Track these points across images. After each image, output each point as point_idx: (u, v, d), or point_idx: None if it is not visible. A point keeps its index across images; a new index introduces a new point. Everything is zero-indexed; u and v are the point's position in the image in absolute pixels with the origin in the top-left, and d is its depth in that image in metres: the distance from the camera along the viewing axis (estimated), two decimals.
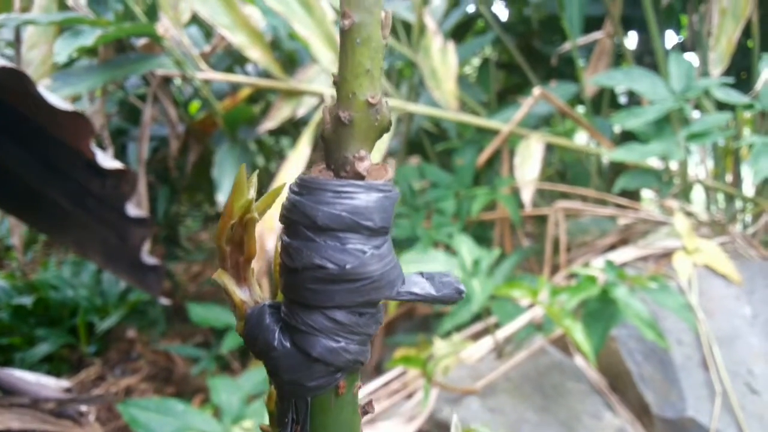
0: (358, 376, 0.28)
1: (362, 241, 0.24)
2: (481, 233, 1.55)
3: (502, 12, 2.04)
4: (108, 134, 1.35)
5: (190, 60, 1.29)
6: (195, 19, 1.45)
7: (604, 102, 1.69)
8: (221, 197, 1.38)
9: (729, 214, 1.46)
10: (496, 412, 1.05)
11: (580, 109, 1.84)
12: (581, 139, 2.00)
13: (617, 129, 1.58)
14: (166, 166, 1.70)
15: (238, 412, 1.06)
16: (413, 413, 1.06)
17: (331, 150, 0.25)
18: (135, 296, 1.77)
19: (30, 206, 1.08)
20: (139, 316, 1.81)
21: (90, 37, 1.17)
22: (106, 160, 0.91)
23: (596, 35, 1.60)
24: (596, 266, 1.14)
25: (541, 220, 1.62)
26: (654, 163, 1.38)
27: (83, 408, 1.05)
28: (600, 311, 0.99)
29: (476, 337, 1.24)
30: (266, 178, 1.72)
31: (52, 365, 1.64)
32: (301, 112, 1.38)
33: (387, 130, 0.25)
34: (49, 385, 1.11)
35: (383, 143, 1.34)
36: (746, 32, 1.31)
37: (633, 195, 1.74)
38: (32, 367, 1.55)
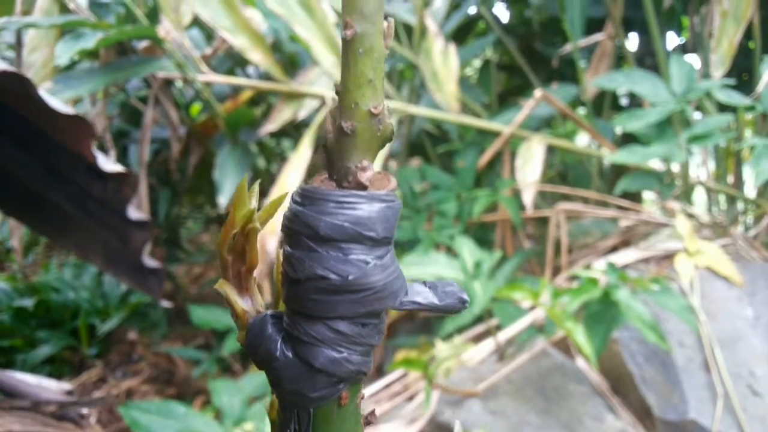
0: (360, 386, 0.28)
1: (365, 251, 0.24)
2: (482, 235, 1.55)
3: (503, 14, 2.04)
4: (110, 137, 1.35)
5: (191, 62, 1.29)
6: (196, 22, 1.45)
7: (606, 103, 1.69)
8: (222, 199, 1.38)
9: (730, 215, 1.45)
10: (497, 415, 1.05)
11: (582, 111, 1.84)
12: (582, 140, 2.00)
13: (618, 131, 1.58)
14: (167, 169, 1.70)
15: (240, 415, 1.06)
16: (414, 415, 1.06)
17: (334, 160, 0.25)
18: (136, 298, 1.77)
19: (31, 209, 1.08)
20: (140, 318, 1.81)
21: (91, 40, 1.18)
22: (107, 163, 0.91)
23: (597, 37, 1.60)
24: (598, 268, 1.14)
25: (543, 221, 1.62)
26: (655, 164, 1.38)
27: (84, 410, 1.05)
28: (602, 313, 0.99)
29: (478, 339, 1.24)
30: (267, 180, 1.72)
31: (53, 367, 1.64)
32: (302, 114, 1.38)
33: (389, 140, 0.25)
34: (50, 387, 1.11)
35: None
36: (747, 34, 1.31)
37: (634, 197, 1.74)
38: (33, 369, 1.55)
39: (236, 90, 1.47)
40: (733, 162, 1.54)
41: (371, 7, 0.22)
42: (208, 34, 1.60)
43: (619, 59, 1.71)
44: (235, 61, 1.57)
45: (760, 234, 1.35)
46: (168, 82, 1.42)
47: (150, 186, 1.60)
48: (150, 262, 1.05)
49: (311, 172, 1.60)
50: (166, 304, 1.13)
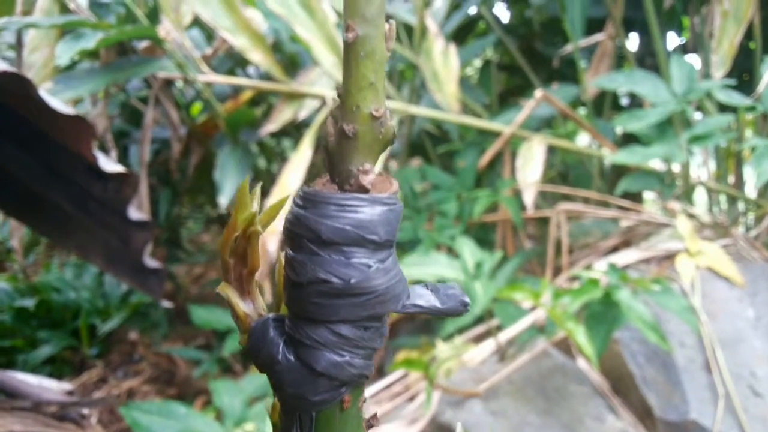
0: (362, 389, 0.28)
1: (367, 255, 0.24)
2: (483, 235, 1.55)
3: (503, 14, 2.04)
4: (111, 137, 1.35)
5: (191, 63, 1.29)
6: (196, 22, 1.45)
7: (606, 104, 1.69)
8: (223, 199, 1.38)
9: (731, 216, 1.45)
10: (498, 415, 1.05)
11: (582, 111, 1.84)
12: (583, 140, 1.99)
13: (619, 131, 1.58)
14: (167, 169, 1.70)
15: (240, 415, 1.06)
16: (415, 416, 1.06)
17: (335, 163, 0.25)
18: (137, 298, 1.77)
19: (32, 210, 1.08)
20: (141, 319, 1.81)
21: (92, 40, 1.18)
22: (108, 163, 0.91)
23: (598, 37, 1.59)
24: (599, 269, 1.13)
25: (543, 222, 1.62)
26: (656, 165, 1.38)
27: (85, 411, 1.05)
28: (603, 314, 0.99)
29: (478, 339, 1.24)
30: (268, 180, 1.72)
31: (54, 367, 1.64)
32: (302, 114, 1.38)
33: (391, 142, 0.25)
34: (51, 387, 1.11)
35: None
36: (748, 34, 1.31)
37: (635, 197, 1.74)
38: (34, 369, 1.55)
39: (237, 90, 1.47)
40: (733, 162, 1.53)
41: (373, 10, 0.22)
42: (209, 34, 1.60)
43: (620, 59, 1.71)
44: (235, 62, 1.57)
45: (761, 234, 1.35)
46: (168, 82, 1.42)
47: (150, 186, 1.60)
48: (151, 262, 1.05)
49: (312, 172, 1.60)
50: (166, 304, 1.13)
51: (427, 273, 1.13)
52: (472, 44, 1.78)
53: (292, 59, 1.52)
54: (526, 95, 1.71)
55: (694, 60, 1.51)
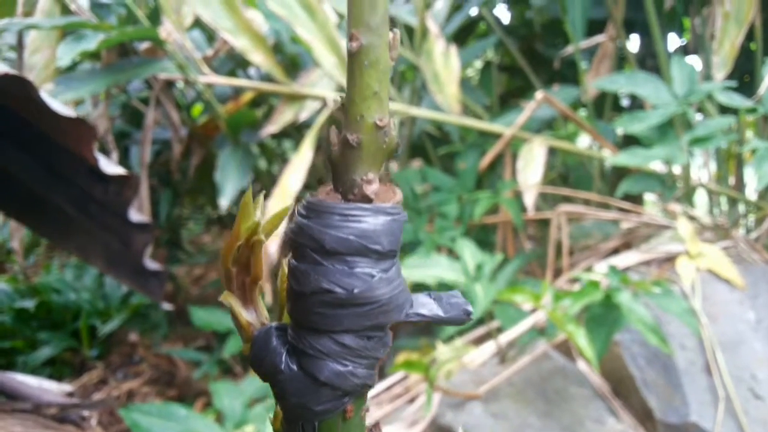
0: (365, 399, 0.28)
1: (370, 264, 0.24)
2: (483, 237, 1.55)
3: (504, 15, 2.04)
4: (112, 138, 1.35)
5: (192, 64, 1.29)
6: (197, 23, 1.45)
7: (607, 105, 1.69)
8: (224, 201, 1.38)
9: (732, 218, 1.45)
10: (499, 418, 1.05)
11: (583, 113, 1.84)
12: (584, 142, 1.99)
13: (620, 132, 1.58)
14: (168, 170, 1.70)
15: (241, 417, 1.06)
16: (415, 418, 1.06)
17: (339, 172, 0.25)
18: (137, 300, 1.77)
19: (33, 211, 1.08)
20: (141, 320, 1.81)
21: (93, 42, 1.18)
22: (109, 166, 0.91)
23: (599, 38, 1.59)
24: (599, 271, 1.13)
25: (544, 223, 1.62)
26: (657, 166, 1.38)
27: (85, 413, 1.05)
28: (603, 316, 0.99)
29: (479, 341, 1.24)
30: (269, 182, 1.72)
31: (54, 369, 1.64)
32: (303, 116, 1.38)
33: (395, 152, 0.25)
34: (51, 389, 1.11)
35: None
36: (749, 35, 1.31)
37: (636, 199, 1.73)
38: (34, 370, 1.54)
39: (237, 91, 1.47)
40: (734, 164, 1.53)
41: (377, 19, 0.22)
42: (210, 35, 1.60)
43: (621, 61, 1.71)
44: (236, 63, 1.57)
45: (762, 236, 1.35)
46: (169, 84, 1.42)
47: (151, 187, 1.60)
48: (151, 264, 1.05)
49: (312, 174, 1.60)
50: (167, 306, 1.13)
51: (428, 275, 1.13)
52: (473, 45, 1.78)
53: (293, 60, 1.52)
54: (526, 96, 1.70)
55: (695, 61, 1.51)
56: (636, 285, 1.01)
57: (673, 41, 1.67)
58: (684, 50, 1.66)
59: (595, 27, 1.59)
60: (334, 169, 0.25)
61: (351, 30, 0.22)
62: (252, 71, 1.63)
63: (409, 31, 1.54)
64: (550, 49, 1.80)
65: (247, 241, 0.25)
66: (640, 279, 1.09)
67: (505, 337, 1.15)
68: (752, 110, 1.14)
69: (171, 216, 1.84)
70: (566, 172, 1.77)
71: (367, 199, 0.24)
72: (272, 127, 1.37)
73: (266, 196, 1.19)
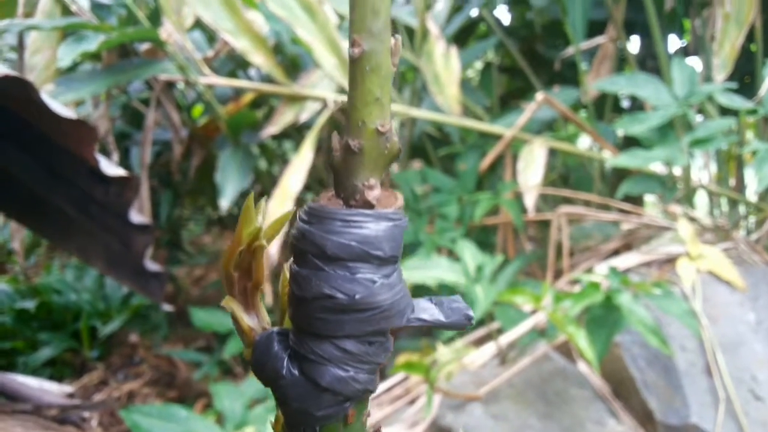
0: (366, 404, 0.28)
1: (372, 270, 0.24)
2: (483, 238, 1.55)
3: (504, 16, 2.04)
4: (113, 139, 1.36)
5: (193, 65, 1.29)
6: (198, 24, 1.45)
7: (607, 106, 1.69)
8: (224, 202, 1.38)
9: (732, 219, 1.45)
10: (499, 419, 1.05)
11: (583, 114, 1.84)
12: (584, 143, 1.99)
13: (620, 133, 1.58)
14: (169, 171, 1.70)
15: (241, 418, 1.06)
16: (416, 419, 1.06)
17: (341, 178, 0.25)
18: (137, 300, 1.77)
19: (34, 212, 1.08)
20: (141, 321, 1.81)
21: (93, 43, 1.18)
22: (110, 167, 0.91)
23: (599, 39, 1.59)
24: (600, 272, 1.13)
25: (544, 224, 1.62)
26: (657, 168, 1.38)
27: (86, 414, 1.05)
28: (603, 317, 0.99)
29: (479, 342, 1.24)
30: (269, 182, 1.72)
31: (54, 369, 1.64)
32: (304, 117, 1.38)
33: (397, 157, 0.25)
34: (51, 390, 1.11)
35: None
36: (749, 37, 1.31)
37: (636, 200, 1.73)
38: (35, 371, 1.55)
39: (238, 92, 1.48)
40: (734, 165, 1.53)
41: (379, 25, 0.22)
42: (210, 36, 1.60)
43: (621, 62, 1.71)
44: (236, 64, 1.57)
45: (762, 238, 1.35)
46: (170, 84, 1.42)
47: (152, 188, 1.60)
48: (152, 265, 1.05)
49: (312, 175, 1.60)
50: (167, 307, 1.13)
51: (428, 276, 1.13)
52: (474, 46, 1.78)
53: (293, 61, 1.52)
54: (527, 98, 1.70)
55: (695, 63, 1.51)
56: (636, 286, 1.01)
57: (674, 42, 1.67)
58: (684, 51, 1.66)
59: (595, 28, 1.59)
60: (336, 175, 0.25)
61: (353, 36, 0.22)
62: (252, 72, 1.64)
63: (409, 32, 1.54)
64: (551, 50, 1.80)
65: (248, 246, 0.25)
66: (640, 280, 1.09)
67: (505, 339, 1.15)
68: (753, 111, 1.14)
69: (171, 217, 1.84)
70: (567, 174, 1.77)
71: (369, 205, 0.24)
72: (273, 128, 1.37)
73: (267, 197, 1.19)
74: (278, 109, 1.40)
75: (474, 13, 1.74)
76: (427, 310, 0.26)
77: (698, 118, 1.45)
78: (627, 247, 1.42)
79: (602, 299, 0.98)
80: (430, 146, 1.75)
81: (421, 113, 1.45)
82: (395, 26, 1.52)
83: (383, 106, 0.23)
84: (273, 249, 1.18)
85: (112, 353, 1.75)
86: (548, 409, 1.06)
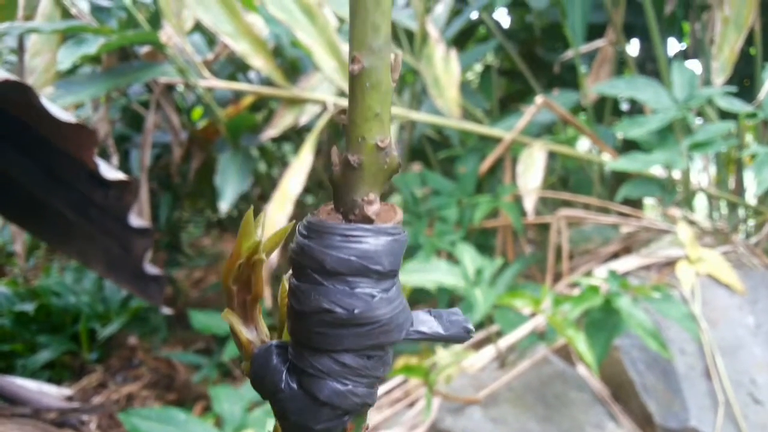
0: (365, 417, 0.28)
1: (371, 284, 0.24)
2: (483, 241, 1.55)
3: (504, 19, 2.04)
4: (113, 142, 1.36)
5: (192, 68, 1.29)
6: (198, 27, 1.45)
7: (607, 109, 1.69)
8: (223, 205, 1.38)
9: (732, 222, 1.45)
10: (498, 422, 1.05)
11: (582, 117, 1.84)
12: (584, 146, 2.00)
13: (620, 136, 1.58)
14: (168, 173, 1.71)
15: (240, 422, 1.06)
16: (415, 422, 1.06)
17: (340, 193, 0.25)
18: (137, 303, 1.77)
19: (33, 215, 1.08)
20: (140, 323, 1.81)
21: (93, 45, 1.18)
22: (109, 171, 0.91)
23: (599, 43, 1.60)
24: (599, 275, 1.13)
25: (544, 228, 1.62)
26: (657, 171, 1.38)
27: (84, 417, 1.05)
28: (603, 321, 0.99)
29: (478, 346, 1.24)
30: (269, 185, 1.72)
31: (53, 372, 1.64)
32: (303, 119, 1.38)
33: (396, 172, 0.25)
34: (50, 393, 1.11)
35: None
36: (749, 40, 1.31)
37: (636, 203, 1.74)
38: (34, 373, 1.54)
39: (238, 95, 1.48)
40: (734, 168, 1.54)
41: (380, 42, 0.22)
42: (210, 39, 1.60)
43: (621, 65, 1.71)
44: (236, 67, 1.57)
45: (762, 241, 1.35)
46: (169, 87, 1.42)
47: (151, 190, 1.60)
48: (151, 269, 1.05)
49: (312, 177, 1.60)
50: (167, 311, 1.13)
51: (428, 280, 1.13)
52: (473, 49, 1.78)
53: (293, 64, 1.52)
54: (526, 100, 1.71)
55: (694, 66, 1.51)
56: (636, 290, 1.01)
57: (673, 46, 1.67)
58: (684, 55, 1.66)
59: (594, 31, 1.59)
60: (336, 190, 0.25)
61: (353, 52, 0.22)
62: (252, 75, 1.64)
63: (409, 35, 1.54)
64: (550, 54, 1.80)
65: (248, 259, 0.26)
66: (639, 284, 1.09)
67: (504, 342, 1.15)
68: (752, 115, 1.14)
69: (171, 219, 1.84)
70: (566, 177, 1.77)
71: (368, 220, 0.24)
72: (272, 131, 1.38)
73: (266, 200, 1.19)
74: (278, 112, 1.41)
75: (474, 16, 1.74)
76: (426, 323, 0.26)
77: (698, 121, 1.45)
78: (626, 250, 1.42)
79: (601, 302, 0.98)
80: (429, 149, 1.75)
81: (421, 116, 1.45)
82: (395, 30, 1.52)
83: (383, 122, 0.23)
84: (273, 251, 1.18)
85: (111, 356, 1.75)
86: (547, 413, 1.06)
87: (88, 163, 0.89)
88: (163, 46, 1.22)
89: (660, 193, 1.36)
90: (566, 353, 1.20)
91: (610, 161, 1.37)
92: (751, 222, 1.52)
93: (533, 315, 1.17)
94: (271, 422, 0.88)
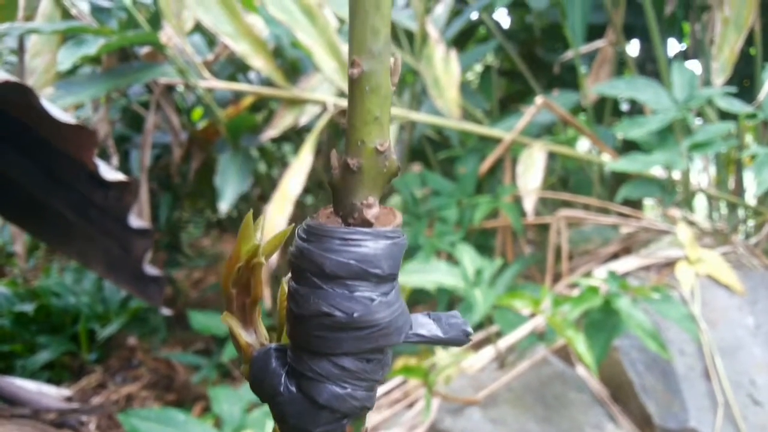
0: (364, 420, 0.28)
1: (370, 288, 0.24)
2: (483, 241, 1.55)
3: (504, 19, 2.04)
4: (113, 142, 1.36)
5: (193, 68, 1.29)
6: (198, 28, 1.45)
7: (607, 109, 1.69)
8: (223, 205, 1.38)
9: (731, 223, 1.45)
10: (497, 423, 1.05)
11: (582, 117, 1.84)
12: (583, 147, 2.00)
13: (620, 136, 1.58)
14: (168, 173, 1.71)
15: (239, 422, 1.06)
16: (414, 423, 1.06)
17: (340, 196, 0.25)
18: (136, 303, 1.77)
19: (33, 216, 1.08)
20: (140, 324, 1.81)
21: (93, 46, 1.18)
22: (109, 172, 0.91)
23: (598, 43, 1.60)
24: (598, 276, 1.13)
25: (544, 228, 1.62)
26: (657, 171, 1.38)
27: (84, 418, 1.05)
28: (602, 322, 0.99)
29: (478, 346, 1.24)
30: (269, 185, 1.72)
31: (53, 372, 1.64)
32: (303, 120, 1.38)
33: (395, 176, 0.25)
34: (50, 393, 1.11)
35: None
36: (749, 41, 1.31)
37: (635, 204, 1.74)
38: (33, 374, 1.54)
39: (238, 95, 1.48)
40: (734, 169, 1.54)
41: (379, 46, 0.22)
42: (210, 39, 1.60)
43: (620, 65, 1.71)
44: (236, 67, 1.57)
45: (761, 242, 1.35)
46: (170, 88, 1.42)
47: (151, 190, 1.60)
48: (151, 270, 1.05)
49: (312, 178, 1.60)
50: (166, 311, 1.13)
51: (427, 280, 1.13)
52: (473, 50, 1.78)
53: (293, 65, 1.52)
54: (526, 101, 1.71)
55: (694, 66, 1.51)
56: (635, 290, 1.01)
57: (673, 46, 1.67)
58: (684, 55, 1.66)
59: (594, 32, 1.59)
60: (335, 193, 0.25)
61: (353, 56, 0.22)
62: (252, 75, 1.64)
63: (409, 35, 1.54)
64: (550, 54, 1.80)
65: (247, 263, 0.26)
66: (639, 284, 1.09)
67: (504, 342, 1.15)
68: (752, 116, 1.14)
69: (171, 219, 1.84)
70: (566, 177, 1.77)
71: (368, 223, 0.24)
72: (272, 132, 1.38)
73: (266, 200, 1.19)
74: (278, 113, 1.41)
75: (474, 16, 1.74)
76: (425, 326, 0.26)
77: (698, 121, 1.45)
78: (626, 250, 1.42)
79: (601, 303, 0.98)
80: (429, 149, 1.75)
81: (421, 116, 1.45)
82: (395, 30, 1.52)
83: (382, 126, 0.23)
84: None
85: (110, 356, 1.75)
86: (547, 413, 1.06)
87: (88, 164, 0.89)
88: (163, 46, 1.22)
89: (660, 194, 1.36)
90: (566, 354, 1.20)
91: (610, 162, 1.37)
92: (751, 222, 1.52)
93: (533, 315, 1.17)
94: (270, 423, 0.88)
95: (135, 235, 1.02)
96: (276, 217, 1.24)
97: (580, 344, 0.92)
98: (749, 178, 1.50)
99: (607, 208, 1.47)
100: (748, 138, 1.64)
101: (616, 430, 1.05)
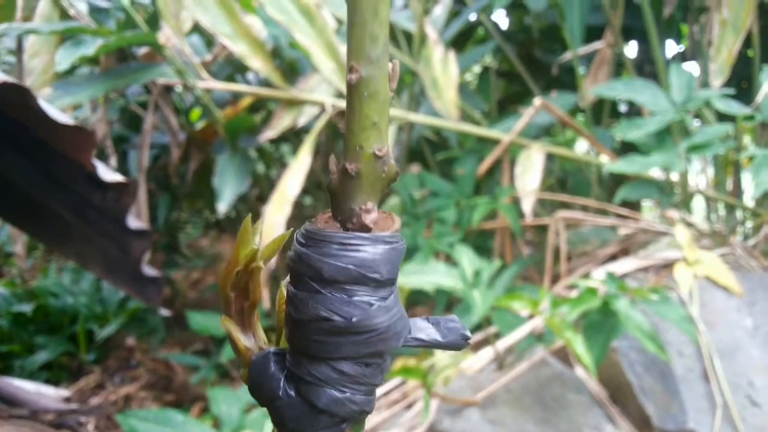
0: (363, 425, 0.28)
1: (369, 293, 0.24)
2: (481, 242, 1.55)
3: (502, 21, 2.05)
4: (111, 142, 1.35)
5: (191, 69, 1.29)
6: (196, 28, 1.45)
7: (605, 111, 1.69)
8: (222, 206, 1.38)
9: (730, 224, 1.46)
10: (496, 424, 1.05)
11: (581, 119, 1.84)
12: (582, 148, 2.00)
13: (618, 138, 1.58)
14: (166, 174, 1.70)
15: (238, 423, 1.06)
16: (413, 424, 1.06)
17: (338, 201, 0.25)
18: (134, 304, 1.77)
19: (31, 217, 1.08)
20: (138, 324, 1.81)
21: (91, 47, 1.18)
22: (107, 173, 0.91)
23: (597, 45, 1.60)
24: (597, 277, 1.14)
25: (542, 229, 1.62)
26: (655, 173, 1.39)
27: (82, 418, 1.05)
28: (601, 323, 0.99)
29: (477, 347, 1.24)
30: (267, 186, 1.72)
31: (51, 373, 1.64)
32: (302, 121, 1.38)
33: (394, 180, 0.25)
34: (48, 394, 1.11)
35: None
36: (747, 42, 1.31)
37: (634, 205, 1.74)
38: (31, 374, 1.54)
39: (236, 96, 1.48)
40: (732, 170, 1.54)
41: (378, 52, 0.22)
42: (209, 40, 1.60)
43: (619, 67, 1.71)
44: (235, 68, 1.57)
45: (759, 243, 1.35)
46: (168, 88, 1.42)
47: (149, 191, 1.60)
48: (149, 271, 1.05)
49: (310, 178, 1.60)
50: (164, 312, 1.13)
51: (426, 281, 1.13)
52: (472, 51, 1.78)
53: (291, 66, 1.52)
54: (525, 102, 1.71)
55: (692, 68, 1.51)
56: (634, 292, 1.01)
57: (671, 48, 1.67)
58: (682, 57, 1.67)
59: (593, 33, 1.59)
60: (333, 198, 0.25)
61: (351, 62, 0.22)
62: (250, 76, 1.64)
63: (407, 37, 1.54)
64: (549, 55, 1.80)
65: (245, 267, 0.26)
66: (637, 286, 1.09)
67: (502, 343, 1.15)
68: (750, 117, 1.15)
69: (169, 220, 1.84)
70: (564, 178, 1.77)
71: (366, 228, 0.24)
72: (271, 132, 1.37)
73: (264, 201, 1.19)
74: (276, 113, 1.40)
75: (472, 17, 1.74)
76: (423, 330, 0.26)
77: (696, 123, 1.46)
78: (624, 252, 1.42)
79: (599, 304, 0.98)
80: (428, 150, 1.75)
81: (419, 118, 1.45)
82: (393, 31, 1.52)
83: (381, 131, 0.23)
84: None
85: (108, 357, 1.75)
86: (545, 415, 1.07)
87: (86, 165, 0.89)
88: (162, 47, 1.22)
89: (658, 195, 1.36)
90: (564, 355, 1.20)
91: (608, 163, 1.37)
92: (749, 224, 1.52)
93: (531, 317, 1.17)
94: (269, 424, 0.88)
95: (133, 235, 1.02)
96: (274, 217, 1.24)
97: (579, 345, 0.93)
98: (747, 180, 1.51)
99: (605, 210, 1.47)
100: (747, 139, 1.65)
101: (614, 431, 1.05)
